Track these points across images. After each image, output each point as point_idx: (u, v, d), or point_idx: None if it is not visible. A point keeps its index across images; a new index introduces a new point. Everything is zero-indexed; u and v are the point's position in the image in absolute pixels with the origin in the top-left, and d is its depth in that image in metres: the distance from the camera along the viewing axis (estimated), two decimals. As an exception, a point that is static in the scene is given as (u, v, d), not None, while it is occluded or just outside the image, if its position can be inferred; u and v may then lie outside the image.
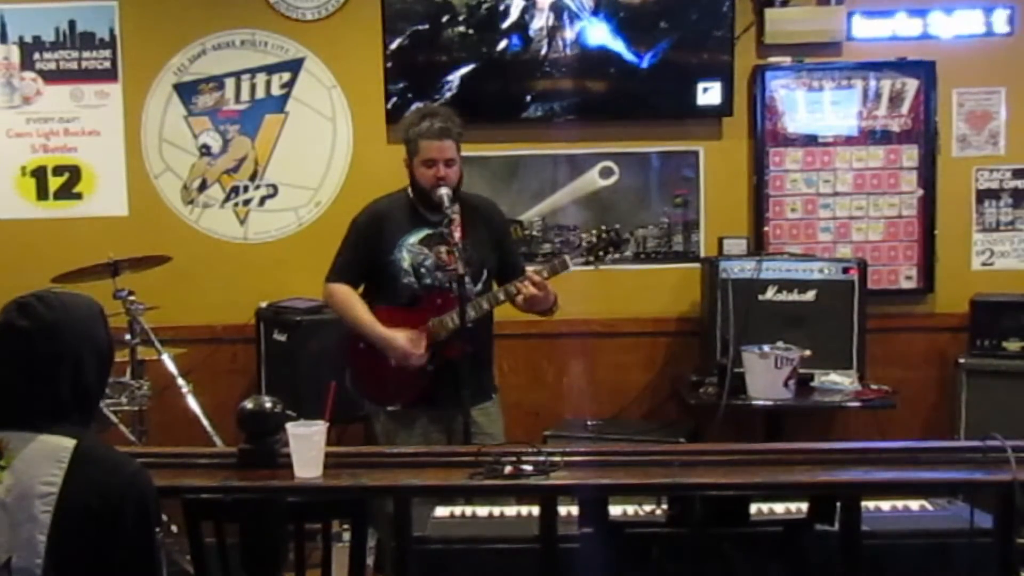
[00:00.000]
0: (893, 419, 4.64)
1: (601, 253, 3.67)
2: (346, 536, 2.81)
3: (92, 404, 2.21)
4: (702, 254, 5.01)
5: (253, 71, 5.05)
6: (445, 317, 3.64)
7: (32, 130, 5.08)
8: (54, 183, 5.10)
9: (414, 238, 3.72)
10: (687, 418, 4.75)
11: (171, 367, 4.31)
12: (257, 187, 5.10)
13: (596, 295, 4.94)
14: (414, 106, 3.97)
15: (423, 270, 3.72)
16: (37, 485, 2.03)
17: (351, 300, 3.76)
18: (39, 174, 5.10)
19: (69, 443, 2.06)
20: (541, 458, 2.70)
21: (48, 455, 2.05)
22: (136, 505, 2.07)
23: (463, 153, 3.76)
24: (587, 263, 3.69)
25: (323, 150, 5.08)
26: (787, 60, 4.94)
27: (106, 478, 2.06)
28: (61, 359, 2.12)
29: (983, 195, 5.02)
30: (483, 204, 3.89)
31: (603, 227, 3.74)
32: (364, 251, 3.76)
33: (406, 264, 3.71)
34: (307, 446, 2.62)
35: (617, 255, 3.71)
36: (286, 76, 5.05)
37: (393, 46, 4.89)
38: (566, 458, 2.73)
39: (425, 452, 3.13)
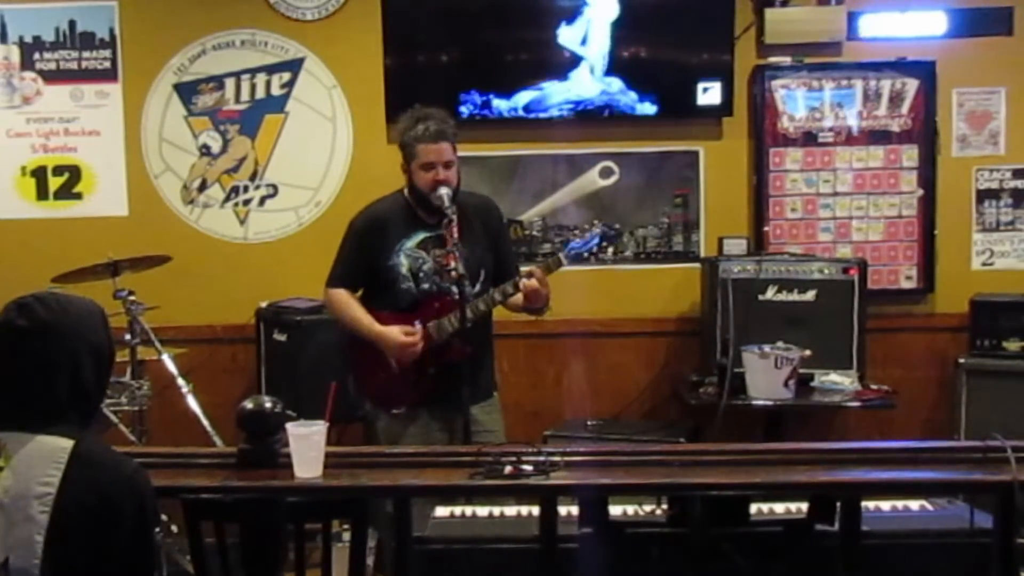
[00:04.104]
0: (893, 419, 4.65)
1: (595, 249, 3.66)
2: (346, 536, 2.81)
3: (91, 406, 2.21)
4: (702, 254, 5.01)
5: (253, 71, 5.05)
6: (443, 320, 3.64)
7: (32, 130, 5.08)
8: (54, 183, 5.10)
9: (412, 242, 3.72)
10: (687, 418, 4.74)
11: (171, 367, 4.31)
12: (257, 187, 5.10)
13: (596, 295, 4.95)
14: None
15: (421, 274, 3.71)
16: (35, 486, 2.02)
17: (348, 302, 3.76)
18: (39, 174, 5.10)
19: (67, 444, 2.06)
20: (541, 458, 2.70)
21: (46, 456, 2.05)
22: (134, 505, 2.07)
23: (459, 153, 3.75)
24: (581, 259, 3.68)
25: (323, 150, 5.08)
26: (787, 60, 4.94)
27: (104, 478, 2.06)
28: (59, 360, 2.11)
29: (983, 195, 5.03)
30: (481, 204, 3.88)
31: (595, 221, 3.74)
32: (363, 257, 3.76)
33: (404, 269, 3.71)
34: (307, 446, 2.62)
35: (611, 249, 3.70)
36: (286, 76, 5.05)
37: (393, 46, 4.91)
38: (566, 458, 2.73)
39: (425, 452, 3.13)
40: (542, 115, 4.92)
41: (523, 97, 4.89)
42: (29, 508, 2.01)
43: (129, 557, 2.07)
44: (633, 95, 4.89)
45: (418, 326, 3.65)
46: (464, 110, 4.87)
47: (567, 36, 4.88)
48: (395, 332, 3.64)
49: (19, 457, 2.05)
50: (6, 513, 2.02)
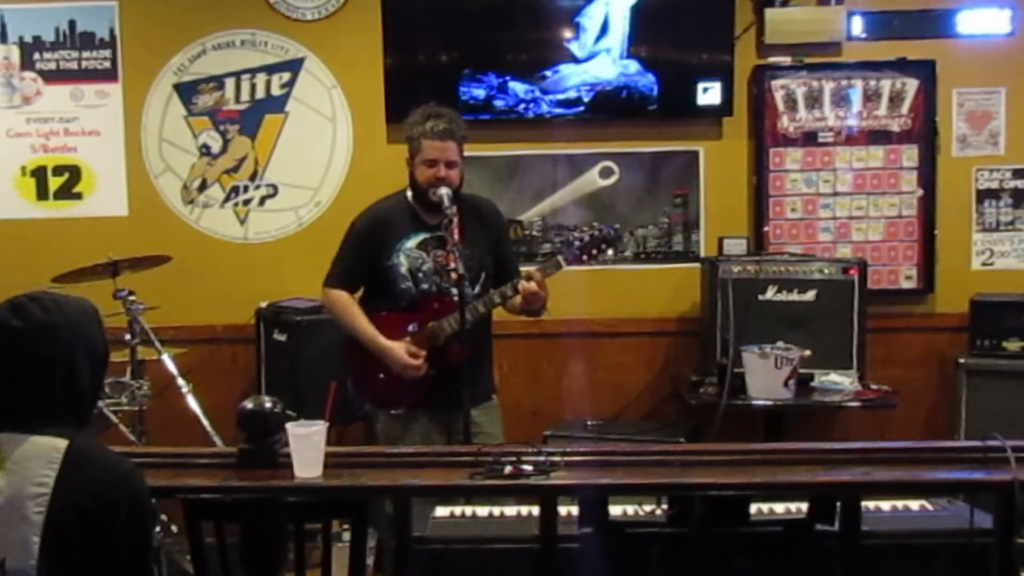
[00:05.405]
0: (893, 419, 4.64)
1: (594, 251, 3.66)
2: (346, 536, 2.81)
3: (87, 406, 2.20)
4: (702, 254, 5.01)
5: (253, 71, 5.05)
6: (443, 321, 3.65)
7: (32, 130, 5.08)
8: (54, 183, 5.10)
9: (412, 242, 3.72)
10: (687, 418, 4.74)
11: (171, 367, 4.31)
12: (257, 187, 5.10)
13: (596, 295, 4.95)
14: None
15: (420, 275, 3.71)
16: (30, 486, 2.02)
17: (351, 309, 3.76)
18: (39, 174, 5.10)
19: (61, 444, 2.05)
20: (541, 458, 2.70)
21: (40, 456, 2.04)
22: (129, 505, 2.06)
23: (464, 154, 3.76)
24: (581, 261, 3.69)
25: (323, 150, 5.08)
26: (787, 60, 4.94)
27: (98, 478, 2.05)
28: (54, 360, 2.11)
29: (983, 195, 5.03)
30: (483, 206, 3.88)
31: (595, 224, 3.73)
32: (363, 256, 3.76)
33: (404, 269, 3.71)
34: (307, 446, 2.62)
35: (611, 251, 3.70)
36: (286, 76, 5.05)
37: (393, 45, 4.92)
38: (566, 458, 2.73)
39: (425, 452, 3.13)
40: (560, 95, 4.91)
41: (539, 80, 4.91)
42: (24, 509, 2.01)
43: (126, 556, 2.06)
44: (651, 77, 4.89)
45: (423, 348, 3.65)
46: (480, 93, 4.87)
47: (584, 29, 4.88)
48: (400, 351, 3.64)
49: (14, 458, 2.04)
50: (2, 514, 2.01)
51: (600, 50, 4.89)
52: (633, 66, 4.90)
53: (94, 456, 2.10)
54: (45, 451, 2.05)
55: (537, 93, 4.92)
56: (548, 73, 4.90)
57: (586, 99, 4.93)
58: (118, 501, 2.05)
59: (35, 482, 2.02)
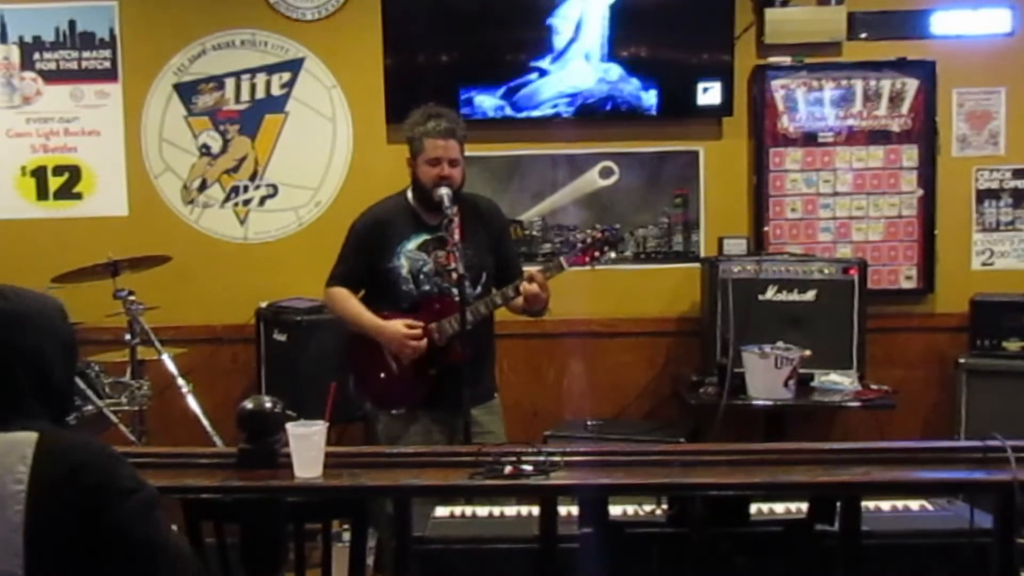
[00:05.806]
0: (893, 419, 4.65)
1: (597, 253, 3.65)
2: (346, 536, 2.81)
3: (61, 400, 2.16)
4: (702, 254, 5.01)
5: (253, 71, 5.05)
6: (444, 322, 3.64)
7: (32, 130, 5.08)
8: (54, 183, 5.10)
9: (412, 244, 3.72)
10: (687, 418, 4.74)
11: (171, 367, 4.31)
12: (257, 187, 5.10)
13: (596, 295, 4.95)
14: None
15: (421, 276, 3.71)
16: (8, 484, 2.00)
17: (349, 300, 3.76)
18: (39, 174, 5.10)
19: (32, 437, 2.02)
20: (541, 458, 2.70)
21: (12, 452, 2.01)
22: (109, 487, 2.03)
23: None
24: (583, 263, 3.68)
25: (323, 150, 5.08)
26: (787, 60, 4.94)
27: (74, 465, 2.02)
28: (21, 350, 2.07)
29: (983, 195, 5.03)
30: (483, 205, 3.88)
31: (598, 226, 3.72)
32: (363, 258, 3.76)
33: (405, 271, 3.71)
34: (307, 446, 2.62)
35: (613, 254, 3.69)
36: (286, 76, 5.05)
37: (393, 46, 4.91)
38: (566, 458, 2.73)
39: (425, 452, 3.13)
40: (533, 112, 4.92)
41: (511, 92, 4.86)
42: (4, 508, 1.99)
43: (120, 540, 2.03)
44: (636, 82, 4.86)
45: (422, 326, 3.65)
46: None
47: (560, 21, 4.84)
48: (397, 323, 3.65)
49: None
50: None
51: (574, 56, 4.84)
52: (615, 71, 4.85)
53: (64, 444, 2.06)
54: (17, 445, 2.02)
55: (508, 111, 4.89)
56: (522, 87, 4.83)
57: (565, 114, 4.89)
58: (97, 485, 2.02)
59: (11, 479, 2.00)
